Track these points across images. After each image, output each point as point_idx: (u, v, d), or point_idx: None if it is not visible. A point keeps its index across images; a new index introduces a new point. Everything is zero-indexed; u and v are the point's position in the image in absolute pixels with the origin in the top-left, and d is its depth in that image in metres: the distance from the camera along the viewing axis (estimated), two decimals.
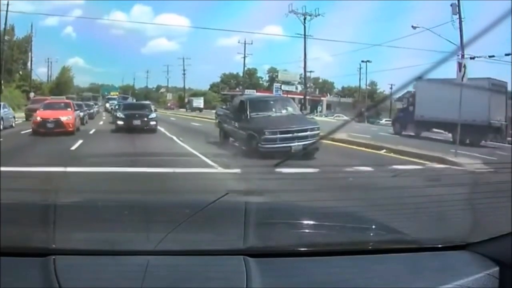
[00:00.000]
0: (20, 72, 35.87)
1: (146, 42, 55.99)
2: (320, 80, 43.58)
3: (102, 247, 1.70)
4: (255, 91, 36.02)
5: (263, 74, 43.83)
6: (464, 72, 14.26)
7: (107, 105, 33.39)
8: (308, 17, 32.43)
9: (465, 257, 1.77)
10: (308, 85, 37.61)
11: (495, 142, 19.64)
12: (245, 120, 14.08)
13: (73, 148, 13.52)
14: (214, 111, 30.31)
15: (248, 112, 14.15)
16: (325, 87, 44.28)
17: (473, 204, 2.63)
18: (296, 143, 12.91)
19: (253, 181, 8.25)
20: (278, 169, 9.20)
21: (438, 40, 27.11)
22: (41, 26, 43.72)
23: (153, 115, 20.63)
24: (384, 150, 13.97)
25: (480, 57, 22.66)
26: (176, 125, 23.37)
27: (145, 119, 19.92)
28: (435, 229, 2.67)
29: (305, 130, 13.45)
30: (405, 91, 21.89)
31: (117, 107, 24.51)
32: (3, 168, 8.34)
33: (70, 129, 17.69)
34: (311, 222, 2.25)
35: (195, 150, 13.19)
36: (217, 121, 17.03)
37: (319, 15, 32.36)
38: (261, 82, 43.00)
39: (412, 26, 27.85)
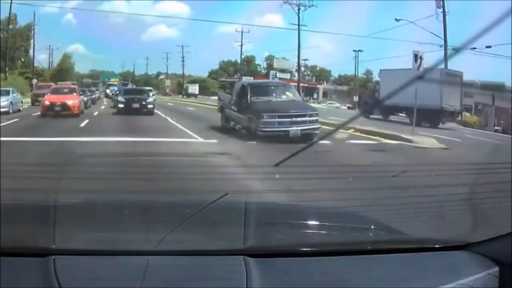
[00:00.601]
0: (22, 59, 35.91)
1: (146, 29, 55.27)
2: (318, 68, 43.42)
3: (102, 247, 1.70)
4: (252, 78, 35.94)
5: (261, 61, 43.59)
6: (420, 63, 16.40)
7: (108, 91, 33.68)
8: (302, 8, 32.24)
9: (465, 257, 1.77)
10: (305, 73, 37.45)
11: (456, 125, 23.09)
12: (246, 104, 14.26)
13: (81, 125, 16.00)
14: (210, 97, 30.67)
15: (249, 96, 14.32)
16: (322, 75, 44.09)
17: (473, 204, 2.62)
18: (295, 127, 13.10)
19: (226, 147, 11.56)
20: (249, 142, 12.25)
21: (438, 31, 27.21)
22: (42, 13, 43.27)
23: (150, 99, 21.74)
24: (352, 130, 15.06)
25: (462, 49, 23.95)
26: (172, 110, 24.24)
27: (143, 102, 20.97)
28: (435, 229, 2.67)
29: (304, 115, 13.62)
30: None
31: (117, 92, 25.47)
32: (33, 138, 11.71)
33: (76, 112, 19.01)
34: (311, 222, 2.24)
35: (184, 127, 15.44)
36: (219, 106, 17.21)
37: (312, 6, 32.18)
38: (259, 69, 42.78)
39: (395, 19, 28.39)
